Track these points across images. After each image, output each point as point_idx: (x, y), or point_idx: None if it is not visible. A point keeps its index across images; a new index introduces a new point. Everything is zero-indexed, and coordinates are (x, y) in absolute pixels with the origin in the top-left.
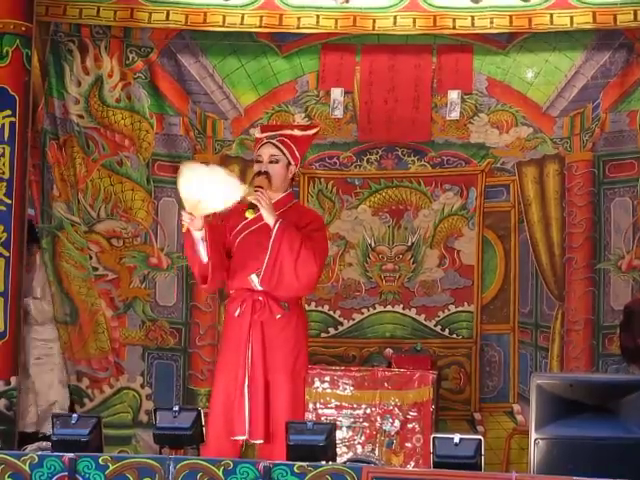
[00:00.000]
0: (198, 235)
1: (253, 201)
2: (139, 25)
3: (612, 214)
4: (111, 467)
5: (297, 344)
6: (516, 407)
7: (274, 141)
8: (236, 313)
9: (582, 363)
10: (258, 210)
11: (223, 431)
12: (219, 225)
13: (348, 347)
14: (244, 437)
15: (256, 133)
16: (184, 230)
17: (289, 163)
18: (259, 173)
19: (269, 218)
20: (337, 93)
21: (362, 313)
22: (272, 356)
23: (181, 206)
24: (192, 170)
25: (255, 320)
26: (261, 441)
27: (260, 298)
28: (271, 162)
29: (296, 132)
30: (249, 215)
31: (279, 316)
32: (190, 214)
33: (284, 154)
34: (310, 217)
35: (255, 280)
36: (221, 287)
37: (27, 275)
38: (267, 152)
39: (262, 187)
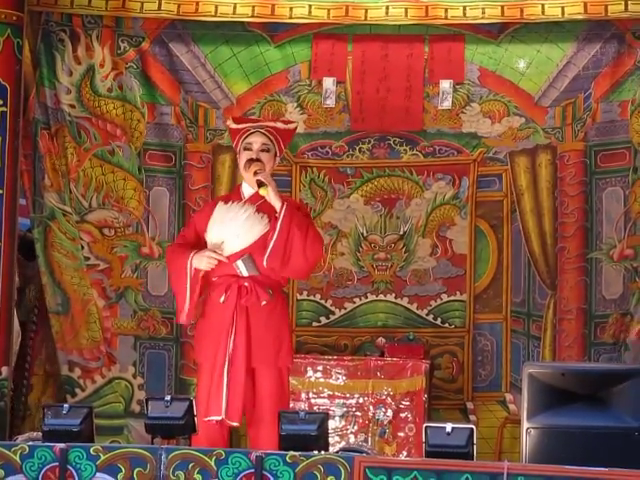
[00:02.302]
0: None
1: (263, 179)
2: (131, 14)
3: (604, 204)
4: (102, 457)
5: (281, 333)
6: (508, 396)
7: (263, 130)
8: (221, 299)
9: (574, 352)
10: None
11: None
12: (193, 233)
13: (340, 336)
14: (219, 417)
15: (230, 124)
16: (208, 268)
17: (276, 154)
18: (251, 160)
19: (275, 200)
20: (329, 83)
21: (354, 302)
22: (257, 344)
23: (174, 196)
24: (224, 209)
25: (241, 305)
26: (237, 424)
27: (246, 284)
28: (262, 150)
29: (279, 125)
30: (263, 192)
31: (264, 302)
32: (218, 254)
33: (273, 144)
34: (297, 204)
35: (241, 266)
36: None
37: None
38: (259, 140)
39: (263, 170)
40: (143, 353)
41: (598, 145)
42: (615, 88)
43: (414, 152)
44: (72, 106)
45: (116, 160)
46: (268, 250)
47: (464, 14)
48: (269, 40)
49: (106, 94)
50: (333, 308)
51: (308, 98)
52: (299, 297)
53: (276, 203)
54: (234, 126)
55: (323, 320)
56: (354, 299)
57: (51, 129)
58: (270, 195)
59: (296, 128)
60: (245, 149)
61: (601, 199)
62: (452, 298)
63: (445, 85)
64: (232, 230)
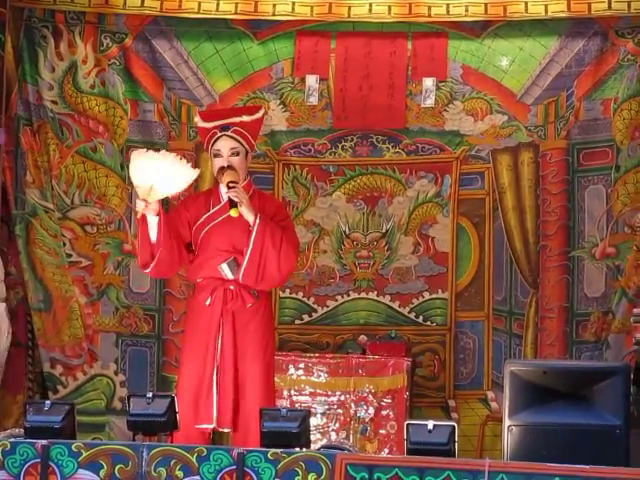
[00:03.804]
0: (154, 221)
1: (234, 199)
2: (113, 11)
3: (586, 202)
4: (84, 454)
5: (266, 332)
6: (490, 394)
7: (229, 133)
8: (207, 302)
9: (556, 350)
10: (240, 206)
11: (193, 420)
12: (175, 217)
13: (322, 334)
14: (211, 426)
15: (197, 121)
16: (139, 216)
17: (247, 152)
18: (223, 168)
19: (249, 215)
20: (312, 80)
21: (336, 300)
22: (243, 345)
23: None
24: (142, 156)
25: (227, 309)
26: (229, 429)
27: (232, 287)
28: (232, 155)
29: (245, 118)
30: (234, 214)
31: (250, 305)
32: (144, 200)
33: (242, 145)
34: (275, 206)
35: (226, 269)
36: (165, 276)
37: None
38: (226, 146)
39: (236, 182)
40: (125, 350)
41: (580, 143)
42: (598, 86)
43: (397, 150)
44: (54, 102)
45: (98, 157)
46: (242, 268)
47: (447, 12)
48: (252, 37)
49: (89, 91)
50: (315, 306)
51: (291, 95)
52: (282, 295)
53: (249, 217)
54: (201, 124)
55: (305, 318)
56: (336, 297)
57: (33, 125)
58: (243, 211)
59: (264, 115)
60: (215, 156)
61: (583, 197)
62: (434, 296)
63: (428, 83)
64: (161, 174)
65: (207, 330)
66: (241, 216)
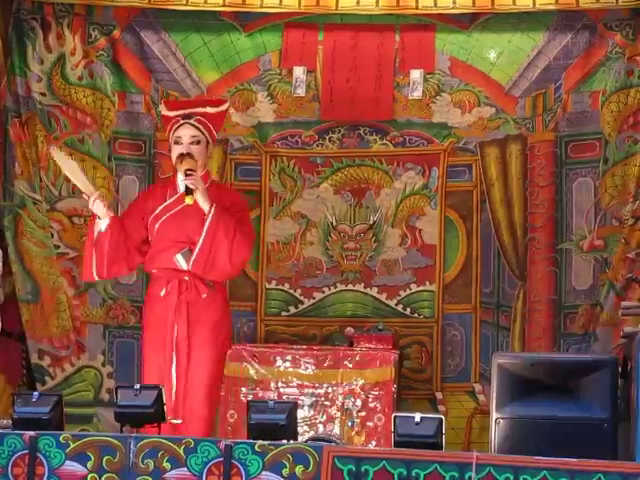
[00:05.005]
0: (103, 225)
1: (190, 186)
2: (102, 3)
3: (574, 194)
4: (72, 445)
5: (220, 321)
6: (477, 387)
7: (192, 122)
8: (162, 293)
9: (543, 343)
10: (196, 193)
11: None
12: (125, 219)
13: (309, 326)
14: (179, 421)
15: (162, 110)
16: (101, 214)
17: (208, 142)
18: (182, 155)
19: (204, 203)
20: (299, 72)
21: (323, 292)
22: (196, 334)
23: (144, 185)
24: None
25: (181, 300)
26: (180, 421)
27: (186, 278)
28: (192, 143)
29: (209, 109)
30: (189, 201)
31: (205, 295)
32: (97, 193)
33: (204, 134)
34: (232, 197)
35: (181, 260)
36: (109, 277)
37: None
38: (187, 133)
39: (193, 170)
40: (112, 342)
41: (568, 136)
42: (586, 79)
43: (384, 142)
44: (43, 94)
45: (86, 148)
46: (193, 256)
47: (435, 4)
48: (240, 29)
49: (77, 82)
50: (302, 298)
51: (278, 87)
52: (268, 286)
53: (204, 206)
54: (165, 113)
55: (292, 310)
56: (323, 289)
57: (22, 117)
58: (198, 198)
59: (228, 107)
60: (175, 143)
61: (571, 190)
62: (421, 288)
63: (415, 75)
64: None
65: (163, 321)
66: (197, 207)
